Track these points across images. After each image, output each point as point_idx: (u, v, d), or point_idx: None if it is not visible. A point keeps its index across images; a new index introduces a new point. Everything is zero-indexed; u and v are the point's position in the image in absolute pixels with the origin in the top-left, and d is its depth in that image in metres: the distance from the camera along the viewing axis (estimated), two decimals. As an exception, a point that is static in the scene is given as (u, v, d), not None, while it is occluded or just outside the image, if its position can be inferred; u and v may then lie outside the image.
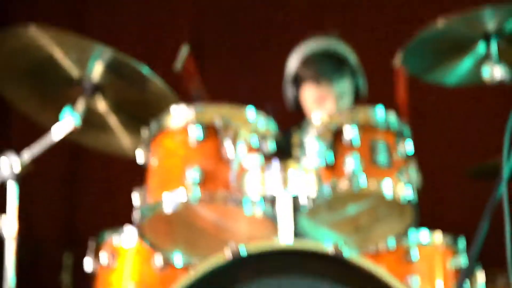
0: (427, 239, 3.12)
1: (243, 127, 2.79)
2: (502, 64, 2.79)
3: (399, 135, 2.90)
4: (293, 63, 3.71)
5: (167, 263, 3.11)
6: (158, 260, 3.12)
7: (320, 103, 3.69)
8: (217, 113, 2.81)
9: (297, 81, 3.72)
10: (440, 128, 4.61)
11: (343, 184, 2.78)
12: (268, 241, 2.68)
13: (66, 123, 2.99)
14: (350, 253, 2.50)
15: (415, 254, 3.07)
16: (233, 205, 2.76)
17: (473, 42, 2.94)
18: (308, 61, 3.68)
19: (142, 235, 2.89)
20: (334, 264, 2.45)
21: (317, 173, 2.78)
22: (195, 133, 2.80)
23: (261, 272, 2.45)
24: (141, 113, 3.05)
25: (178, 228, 3.04)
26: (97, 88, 3.07)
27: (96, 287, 3.22)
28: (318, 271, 2.45)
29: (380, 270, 2.47)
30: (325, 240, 2.99)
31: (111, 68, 2.99)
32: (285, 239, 2.65)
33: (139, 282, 3.14)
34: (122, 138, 3.23)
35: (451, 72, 3.07)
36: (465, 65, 3.03)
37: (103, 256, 3.17)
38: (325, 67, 3.66)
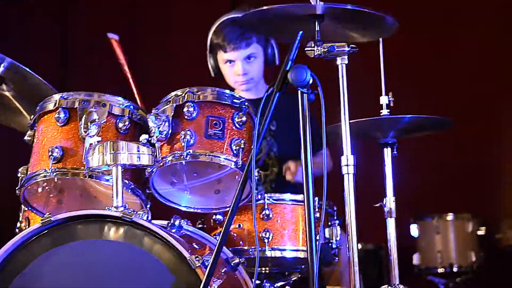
0: (280, 198, 3.51)
1: (98, 111, 3.28)
2: (321, 41, 3.10)
3: (237, 110, 3.31)
4: (209, 34, 4.19)
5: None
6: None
7: (230, 68, 4.16)
8: (78, 98, 3.32)
9: (213, 50, 4.20)
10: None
11: (177, 156, 3.22)
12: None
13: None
14: (138, 218, 2.98)
15: (269, 212, 3.47)
16: (85, 179, 3.28)
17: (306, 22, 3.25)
18: (217, 30, 4.16)
19: (25, 202, 3.42)
20: (126, 227, 2.94)
21: (156, 146, 3.24)
22: (60, 116, 3.31)
23: (69, 236, 2.97)
24: (37, 99, 3.57)
25: (71, 198, 3.56)
26: (1, 79, 3.65)
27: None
28: (115, 234, 2.94)
29: (158, 229, 2.93)
30: (184, 203, 3.48)
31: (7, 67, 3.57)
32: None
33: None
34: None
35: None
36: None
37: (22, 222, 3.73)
38: (231, 34, 4.11)
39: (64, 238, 2.97)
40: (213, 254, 2.75)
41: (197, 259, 2.90)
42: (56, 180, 3.46)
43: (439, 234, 6.21)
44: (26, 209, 3.64)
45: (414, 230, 6.26)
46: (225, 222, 2.74)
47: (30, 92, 3.63)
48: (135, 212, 2.99)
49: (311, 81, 2.75)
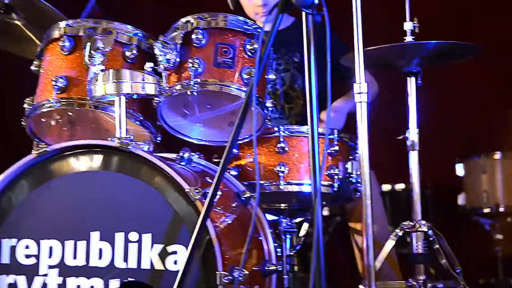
0: (297, 130, 3.34)
1: (104, 38, 3.13)
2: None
3: (250, 37, 3.13)
4: None
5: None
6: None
7: None
8: (82, 26, 3.18)
9: None
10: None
11: (184, 85, 3.06)
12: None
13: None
14: (136, 148, 2.84)
15: (284, 145, 3.31)
16: (95, 111, 3.15)
17: None
18: None
19: (32, 134, 3.31)
20: (124, 157, 2.81)
21: (163, 75, 3.09)
22: (65, 44, 3.18)
23: (65, 167, 2.86)
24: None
25: (84, 131, 3.44)
26: (10, 8, 3.53)
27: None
28: (110, 164, 2.82)
29: (156, 160, 2.79)
30: (195, 136, 3.33)
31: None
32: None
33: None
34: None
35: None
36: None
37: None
38: None
39: (60, 169, 2.86)
40: (212, 186, 2.60)
41: (196, 191, 2.76)
42: (70, 113, 3.35)
43: (485, 173, 5.95)
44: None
45: (460, 169, 6.01)
46: (224, 154, 2.58)
47: (41, 20, 3.49)
48: (133, 143, 2.85)
49: (316, 1, 2.54)
